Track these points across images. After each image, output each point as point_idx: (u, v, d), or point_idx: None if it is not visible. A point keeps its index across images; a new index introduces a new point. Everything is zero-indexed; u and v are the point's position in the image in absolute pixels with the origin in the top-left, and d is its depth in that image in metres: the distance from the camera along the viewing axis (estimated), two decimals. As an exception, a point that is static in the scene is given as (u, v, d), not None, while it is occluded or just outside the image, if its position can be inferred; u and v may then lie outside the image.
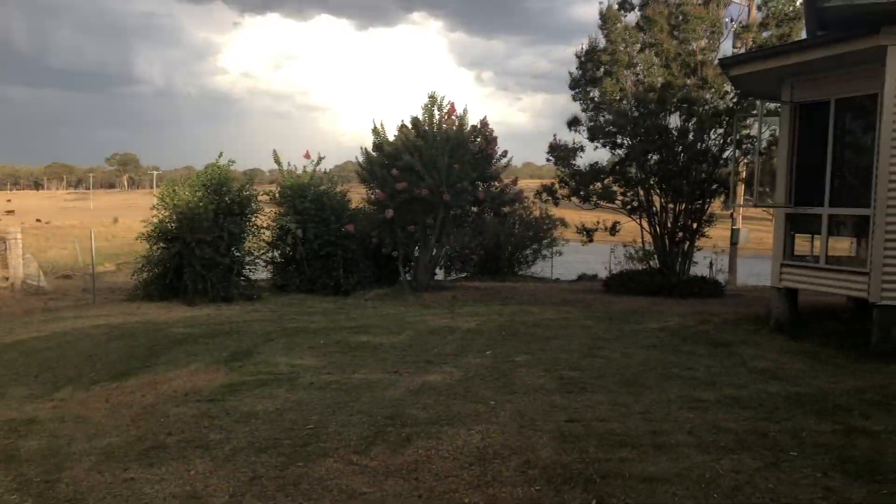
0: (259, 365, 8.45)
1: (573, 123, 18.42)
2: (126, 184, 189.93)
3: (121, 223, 63.82)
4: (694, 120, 16.47)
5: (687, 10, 16.16)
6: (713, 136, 16.86)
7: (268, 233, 16.53)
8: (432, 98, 16.43)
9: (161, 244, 14.84)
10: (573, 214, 20.35)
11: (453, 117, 16.46)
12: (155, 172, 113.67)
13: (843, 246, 11.27)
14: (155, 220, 15.00)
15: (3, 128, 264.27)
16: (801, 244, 11.38)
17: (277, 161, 17.55)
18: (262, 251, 16.61)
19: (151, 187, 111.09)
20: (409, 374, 7.93)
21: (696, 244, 17.72)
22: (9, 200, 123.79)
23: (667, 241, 17.43)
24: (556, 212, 23.49)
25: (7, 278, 16.83)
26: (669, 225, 17.41)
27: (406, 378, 7.72)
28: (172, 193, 14.82)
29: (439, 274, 19.39)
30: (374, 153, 16.58)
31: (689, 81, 16.38)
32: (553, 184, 18.29)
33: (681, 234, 17.37)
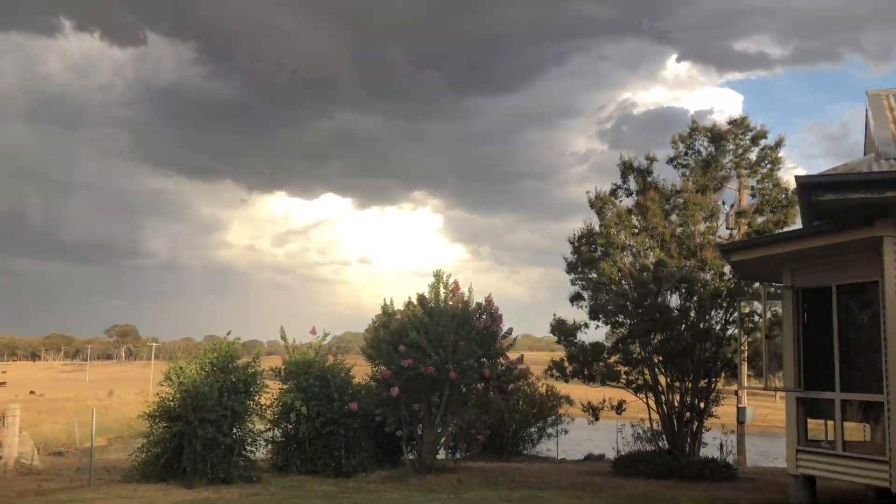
0: (262, 557, 8.08)
1: (575, 299, 18.74)
2: (123, 355, 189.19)
3: (116, 396, 62.96)
4: (695, 300, 16.76)
5: (686, 197, 16.90)
6: (714, 316, 17.11)
7: (270, 411, 16.31)
8: (438, 276, 16.77)
9: (163, 423, 14.59)
10: (579, 390, 20.20)
11: (458, 294, 16.73)
12: (154, 344, 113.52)
13: (857, 426, 11.12)
14: (157, 398, 14.85)
15: (6, 299, 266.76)
16: (814, 422, 11.23)
17: (283, 337, 17.64)
18: (264, 430, 16.32)
19: (149, 359, 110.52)
20: (421, 568, 7.57)
21: (703, 424, 17.49)
22: (4, 372, 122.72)
23: (675, 421, 17.20)
24: (562, 388, 23.28)
25: (1, 457, 16.37)
26: (676, 404, 17.25)
27: (417, 573, 7.36)
28: (179, 371, 14.78)
29: (441, 453, 18.92)
30: (380, 330, 16.69)
31: (688, 263, 16.84)
32: (562, 360, 18.31)
33: (688, 413, 17.18)
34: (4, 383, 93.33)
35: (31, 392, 71.81)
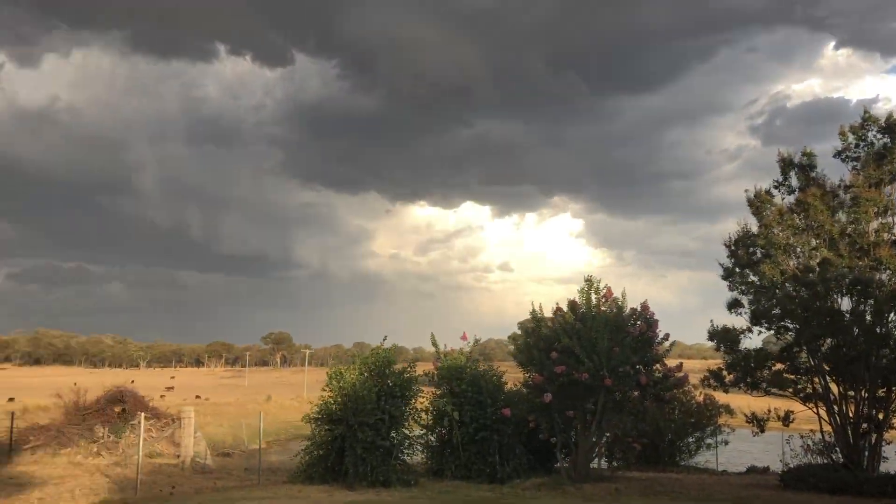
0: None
1: (733, 306, 17.84)
2: (278, 361, 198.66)
3: (273, 401, 66.05)
4: (870, 302, 15.55)
5: (856, 193, 15.72)
6: (893, 320, 15.79)
7: (426, 416, 16.55)
8: (589, 281, 16.48)
9: (325, 426, 15.13)
10: (739, 399, 19.20)
11: (611, 300, 16.38)
12: (307, 351, 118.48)
13: None
14: (320, 401, 15.41)
15: (173, 308, 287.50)
16: None
17: (435, 343, 17.89)
18: (419, 434, 16.59)
19: (303, 365, 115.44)
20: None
21: (883, 436, 16.16)
22: (172, 377, 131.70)
23: (850, 433, 16.00)
24: (720, 397, 22.22)
25: (178, 456, 17.55)
26: (851, 415, 16.05)
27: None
28: (340, 376, 15.29)
29: (594, 462, 18.53)
30: (529, 336, 16.60)
31: (860, 263, 15.65)
32: (720, 368, 17.50)
33: (865, 425, 15.93)
34: (173, 388, 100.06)
35: (197, 396, 76.51)
